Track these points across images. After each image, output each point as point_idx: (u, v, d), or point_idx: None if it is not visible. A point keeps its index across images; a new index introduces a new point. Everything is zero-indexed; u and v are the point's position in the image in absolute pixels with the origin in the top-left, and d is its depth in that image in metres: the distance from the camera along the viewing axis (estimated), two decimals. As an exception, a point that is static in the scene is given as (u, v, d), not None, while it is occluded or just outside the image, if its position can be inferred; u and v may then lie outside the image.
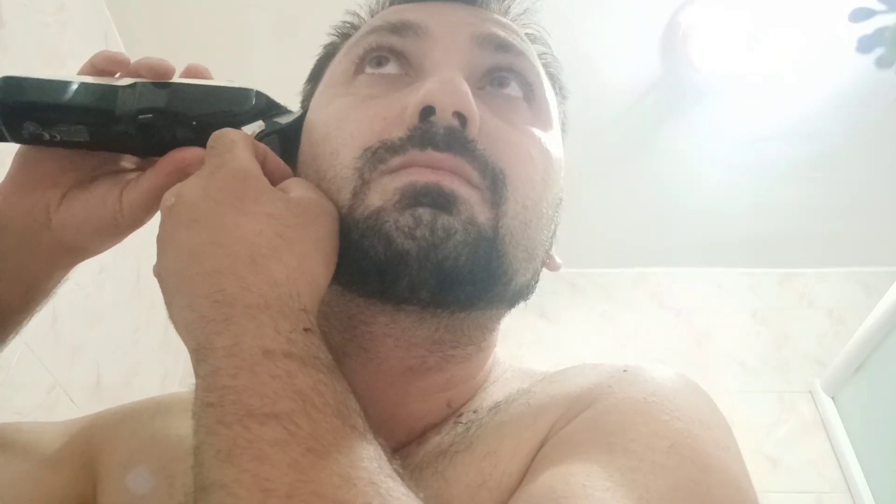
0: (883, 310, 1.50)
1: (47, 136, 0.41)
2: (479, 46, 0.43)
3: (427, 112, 0.38)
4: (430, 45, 0.43)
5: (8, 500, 0.44)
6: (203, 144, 0.39)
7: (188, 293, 0.32)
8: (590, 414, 0.36)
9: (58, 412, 1.12)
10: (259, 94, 0.42)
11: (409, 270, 0.35)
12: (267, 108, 0.42)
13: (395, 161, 0.38)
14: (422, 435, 0.41)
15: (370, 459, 0.27)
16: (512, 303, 0.43)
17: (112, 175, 0.44)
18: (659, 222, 1.85)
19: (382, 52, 0.43)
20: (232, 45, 1.44)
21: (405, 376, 0.41)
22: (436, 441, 0.40)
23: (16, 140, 0.41)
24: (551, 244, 0.45)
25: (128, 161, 0.45)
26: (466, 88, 0.38)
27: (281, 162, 0.41)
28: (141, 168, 0.44)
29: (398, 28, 0.43)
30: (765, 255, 1.93)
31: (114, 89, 0.41)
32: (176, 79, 0.42)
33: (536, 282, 0.44)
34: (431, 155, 0.37)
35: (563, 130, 0.49)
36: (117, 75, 0.42)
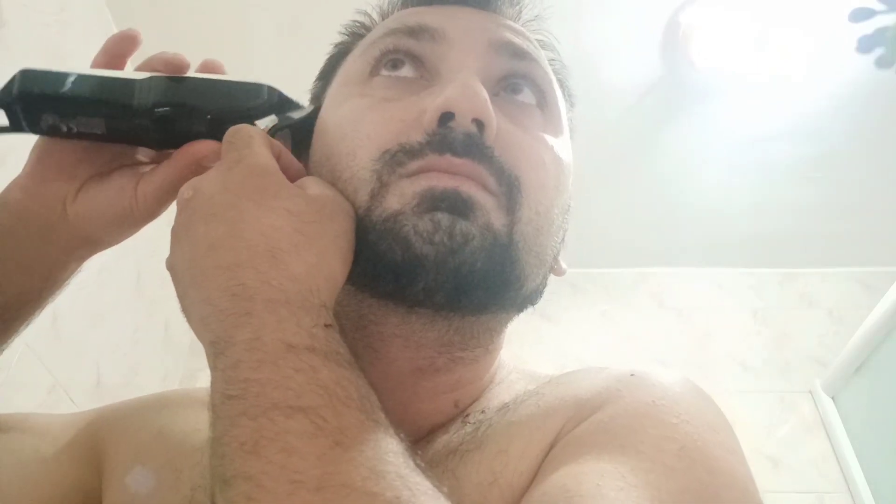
0: (883, 310, 1.50)
1: (65, 129, 0.41)
2: (495, 52, 0.43)
3: (446, 117, 0.38)
4: (447, 49, 0.43)
5: (15, 489, 0.45)
6: (216, 138, 0.39)
7: (205, 286, 0.32)
8: (600, 417, 0.36)
9: (58, 412, 1.11)
10: (271, 89, 0.43)
11: (426, 274, 0.36)
12: (278, 102, 0.43)
13: (414, 165, 0.38)
14: (429, 434, 0.42)
15: (395, 454, 0.27)
16: (521, 307, 0.43)
17: (127, 167, 0.44)
18: (660, 222, 1.85)
19: (399, 54, 0.43)
20: (232, 45, 1.44)
21: (413, 377, 0.41)
22: (444, 440, 0.40)
23: (34, 131, 0.42)
24: (559, 250, 0.45)
25: (143, 154, 0.45)
26: (486, 95, 0.38)
27: (294, 159, 0.42)
28: (156, 161, 0.44)
29: (415, 31, 0.43)
30: (765, 255, 1.93)
31: (131, 83, 0.41)
32: (191, 73, 0.43)
33: (545, 287, 0.44)
34: (450, 160, 0.37)
35: (571, 137, 0.49)
36: (133, 69, 0.43)
